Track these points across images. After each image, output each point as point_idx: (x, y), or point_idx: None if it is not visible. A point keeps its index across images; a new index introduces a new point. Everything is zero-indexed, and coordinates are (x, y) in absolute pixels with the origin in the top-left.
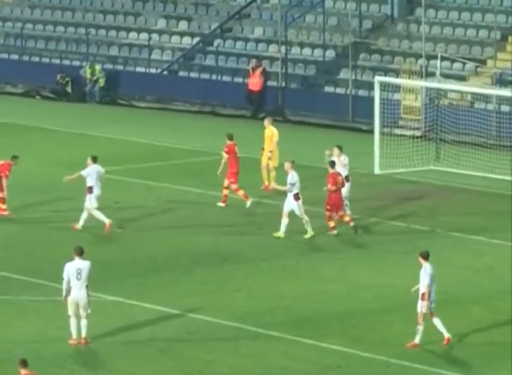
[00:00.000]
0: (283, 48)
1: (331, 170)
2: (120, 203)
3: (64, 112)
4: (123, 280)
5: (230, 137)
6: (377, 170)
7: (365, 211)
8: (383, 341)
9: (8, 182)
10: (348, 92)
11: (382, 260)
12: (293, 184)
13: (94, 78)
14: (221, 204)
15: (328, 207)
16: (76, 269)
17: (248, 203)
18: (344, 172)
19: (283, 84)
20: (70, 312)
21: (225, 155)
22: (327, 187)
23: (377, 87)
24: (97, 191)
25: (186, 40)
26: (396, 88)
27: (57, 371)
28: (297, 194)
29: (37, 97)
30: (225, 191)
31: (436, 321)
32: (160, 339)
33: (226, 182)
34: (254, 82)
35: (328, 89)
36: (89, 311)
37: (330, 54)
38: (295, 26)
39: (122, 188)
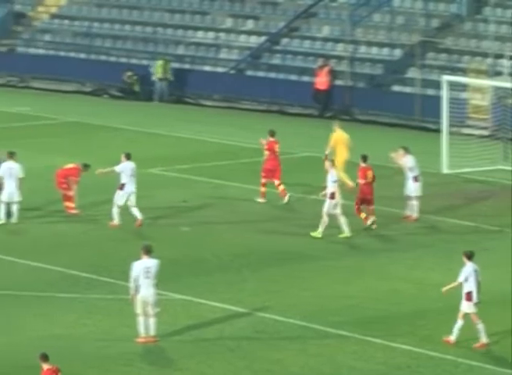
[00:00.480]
0: (350, 47)
1: (362, 164)
2: (188, 202)
3: (132, 110)
4: (191, 278)
5: (272, 134)
6: (445, 170)
7: (433, 210)
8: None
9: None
10: (416, 91)
11: (449, 259)
12: (334, 182)
13: (165, 76)
14: (285, 199)
15: (357, 201)
16: (144, 268)
17: (259, 200)
18: (412, 173)
19: (350, 83)
20: (139, 310)
21: (266, 152)
22: (358, 180)
23: (445, 86)
24: (129, 187)
25: (254, 39)
26: (464, 87)
27: (125, 369)
28: (333, 193)
29: (105, 95)
30: (280, 187)
31: (480, 325)
32: (228, 338)
33: (276, 181)
34: (321, 81)
35: (396, 88)
36: (157, 309)
37: (398, 53)
38: (362, 25)
39: (190, 187)
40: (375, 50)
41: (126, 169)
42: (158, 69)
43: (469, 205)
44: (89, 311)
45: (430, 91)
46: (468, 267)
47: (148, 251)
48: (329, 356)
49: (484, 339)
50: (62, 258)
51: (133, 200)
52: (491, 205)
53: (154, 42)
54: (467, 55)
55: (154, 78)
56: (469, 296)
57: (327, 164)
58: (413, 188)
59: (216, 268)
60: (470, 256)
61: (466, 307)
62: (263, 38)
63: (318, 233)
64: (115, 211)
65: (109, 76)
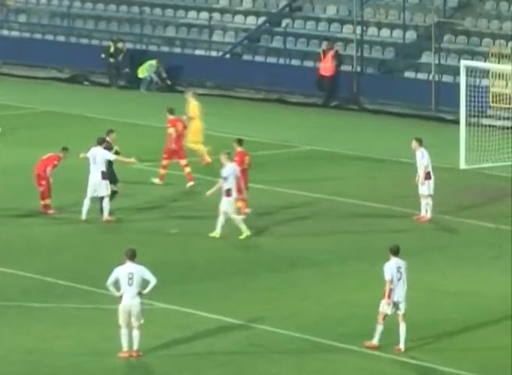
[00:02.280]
0: (359, 29)
1: (238, 149)
2: (179, 201)
3: (116, 99)
4: (179, 286)
5: (171, 112)
6: (462, 165)
7: (449, 210)
8: (464, 354)
9: (52, 179)
10: (431, 78)
11: (467, 264)
12: (225, 178)
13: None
14: (190, 183)
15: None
16: (127, 274)
17: (156, 181)
18: (425, 168)
19: (358, 69)
20: (121, 321)
21: (172, 130)
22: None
23: (463, 72)
24: (92, 176)
25: (251, 20)
26: (485, 74)
27: None
28: (229, 190)
29: (86, 83)
30: (187, 169)
31: (401, 328)
32: (219, 352)
33: (183, 161)
34: (326, 66)
35: (409, 74)
36: (142, 321)
37: (411, 35)
38: (372, 5)
39: (180, 184)
40: (385, 32)
41: (91, 155)
42: (146, 69)
43: (489, 204)
44: (65, 322)
45: (446, 78)
46: (390, 263)
47: (132, 256)
48: (331, 372)
49: (375, 341)
50: (37, 263)
51: (100, 191)
52: None
53: (141, 24)
54: (488, 38)
55: (142, 76)
56: (389, 297)
57: (223, 157)
58: (425, 186)
59: (207, 274)
60: (395, 251)
61: (384, 307)
62: (262, 19)
63: (215, 233)
64: (85, 202)
65: (91, 62)
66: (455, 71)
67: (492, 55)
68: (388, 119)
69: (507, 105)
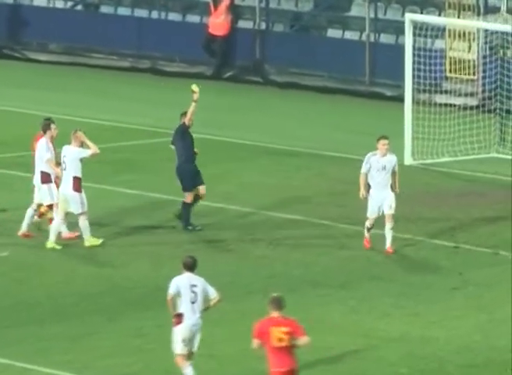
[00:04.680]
0: None
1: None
2: (7, 210)
3: None
4: (11, 330)
5: None
6: (408, 159)
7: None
8: None
9: None
10: (364, 38)
11: (415, 300)
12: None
13: None
14: None
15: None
16: None
17: None
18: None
19: (263, 26)
20: None
21: None
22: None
23: (409, 29)
24: None
25: None
26: (439, 32)
27: None
28: (78, 180)
29: None
30: None
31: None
32: None
33: None
34: (218, 22)
35: (333, 33)
36: None
37: None
38: None
39: (13, 187)
40: None
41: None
42: None
43: (446, 214)
44: None
45: (386, 38)
46: (181, 278)
47: None
48: None
49: None
50: None
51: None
52: (479, 213)
53: None
54: None
55: None
56: (178, 320)
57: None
58: (391, 203)
59: (51, 314)
60: (190, 266)
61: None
62: None
63: (88, 240)
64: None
65: None
66: (398, 29)
67: (449, 7)
68: (303, 96)
69: (470, 76)
